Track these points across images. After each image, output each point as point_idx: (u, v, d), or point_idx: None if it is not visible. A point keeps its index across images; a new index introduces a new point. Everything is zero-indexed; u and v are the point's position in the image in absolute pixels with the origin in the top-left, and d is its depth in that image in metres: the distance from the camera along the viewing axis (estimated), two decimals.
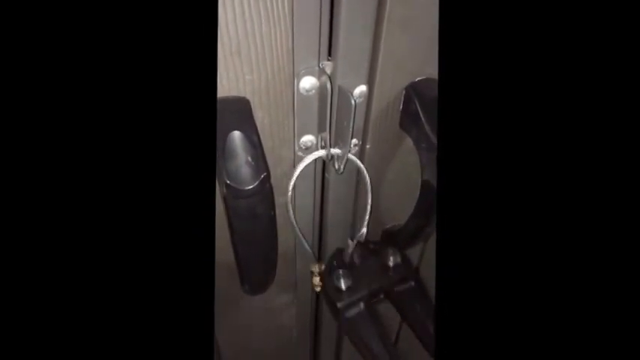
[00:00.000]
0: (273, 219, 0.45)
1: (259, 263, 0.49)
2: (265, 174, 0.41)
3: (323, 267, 0.61)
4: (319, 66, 0.47)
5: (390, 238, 0.63)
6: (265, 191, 0.42)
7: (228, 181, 0.41)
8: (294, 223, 0.55)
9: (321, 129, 0.51)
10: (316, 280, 0.61)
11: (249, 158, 0.41)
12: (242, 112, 0.43)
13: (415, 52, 0.48)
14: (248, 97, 0.45)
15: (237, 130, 0.41)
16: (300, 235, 0.57)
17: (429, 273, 0.76)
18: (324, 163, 0.57)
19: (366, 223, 0.56)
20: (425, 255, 0.73)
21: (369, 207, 0.54)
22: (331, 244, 0.64)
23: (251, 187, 0.41)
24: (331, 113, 0.48)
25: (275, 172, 0.52)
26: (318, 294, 0.76)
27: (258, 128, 0.47)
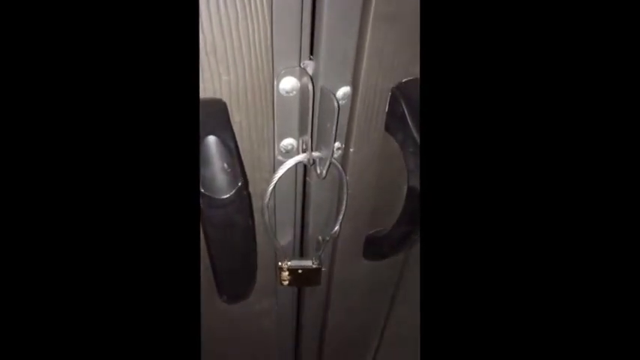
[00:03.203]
0: (251, 228, 0.43)
1: (237, 274, 0.47)
2: (242, 182, 0.39)
3: (289, 262, 0.60)
4: (300, 66, 0.45)
5: (374, 245, 0.62)
6: (242, 200, 0.40)
7: (203, 190, 0.39)
8: (272, 229, 0.53)
9: (302, 132, 0.50)
10: (284, 274, 0.60)
11: (226, 165, 0.39)
12: (218, 114, 0.42)
13: (402, 51, 0.47)
14: (225, 98, 0.43)
15: (213, 134, 0.40)
16: (276, 241, 0.55)
17: (412, 282, 0.75)
18: (305, 167, 0.55)
19: (339, 221, 0.55)
20: (409, 262, 0.72)
21: (344, 204, 0.54)
22: (313, 252, 0.63)
23: (227, 195, 0.39)
24: (313, 116, 0.47)
25: (254, 177, 0.51)
26: (299, 299, 0.75)
27: (236, 131, 0.45)
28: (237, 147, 0.41)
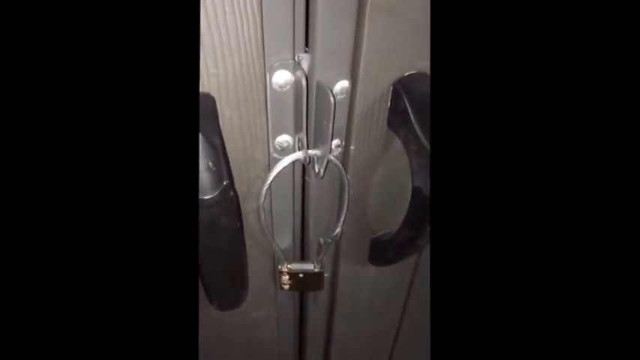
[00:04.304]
0: (238, 231, 0.42)
1: (226, 280, 0.47)
2: (227, 182, 0.39)
3: (290, 266, 0.59)
4: (294, 59, 0.44)
5: (379, 249, 0.61)
6: (228, 201, 0.39)
7: None
8: (269, 231, 0.52)
9: (298, 128, 0.49)
10: (285, 278, 0.59)
11: (210, 164, 0.38)
12: (204, 110, 0.41)
13: (403, 42, 0.45)
14: (213, 93, 0.42)
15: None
16: (274, 243, 0.54)
17: (425, 288, 0.74)
18: (304, 166, 0.54)
19: (341, 222, 0.54)
20: (420, 267, 0.71)
21: (345, 205, 0.53)
22: (314, 255, 0.62)
23: (211, 196, 0.38)
24: (308, 112, 0.46)
25: (248, 175, 0.50)
26: (301, 308, 0.74)
27: (227, 127, 0.45)
28: (223, 144, 0.40)
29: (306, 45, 0.44)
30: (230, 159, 0.46)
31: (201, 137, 0.38)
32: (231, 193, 0.39)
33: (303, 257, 0.64)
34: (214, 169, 0.38)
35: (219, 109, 0.43)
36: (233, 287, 0.48)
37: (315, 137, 0.49)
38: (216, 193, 0.38)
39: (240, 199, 0.50)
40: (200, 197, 0.38)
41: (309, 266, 0.60)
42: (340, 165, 0.51)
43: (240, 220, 0.42)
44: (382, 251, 0.61)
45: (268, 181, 0.49)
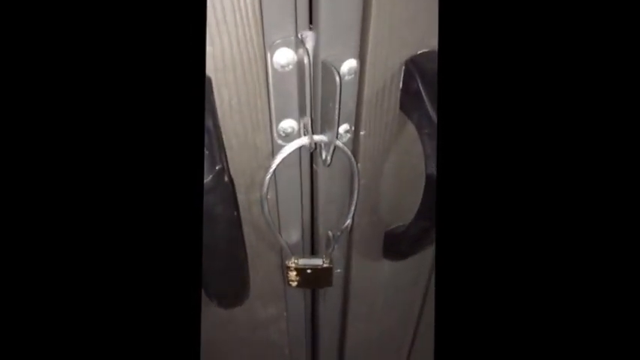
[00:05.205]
0: (235, 221, 0.40)
1: (223, 275, 0.45)
2: (221, 166, 0.37)
3: (298, 261, 0.57)
4: (298, 36, 0.42)
5: (393, 242, 0.59)
6: (223, 188, 0.37)
7: None
8: (274, 223, 0.51)
9: (302, 113, 0.47)
10: (292, 274, 0.57)
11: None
12: None
13: (416, 18, 0.43)
14: (209, 73, 0.40)
15: None
16: (279, 237, 0.52)
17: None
18: (312, 154, 0.53)
19: (351, 214, 0.52)
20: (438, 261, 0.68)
21: (355, 195, 0.51)
22: (324, 249, 0.60)
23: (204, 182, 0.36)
24: (313, 94, 0.44)
25: (250, 164, 0.48)
26: (313, 305, 0.72)
27: (225, 111, 0.43)
28: (217, 126, 0.38)
29: (310, 21, 0.42)
30: (230, 146, 0.45)
31: None
32: (226, 179, 0.38)
33: (313, 252, 0.62)
34: (207, 152, 0.36)
35: (215, 92, 0.41)
36: (232, 283, 0.47)
37: (321, 122, 0.47)
38: (209, 179, 0.36)
39: (243, 190, 0.49)
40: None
41: (317, 261, 0.58)
42: (349, 152, 0.49)
43: (238, 210, 0.41)
44: (396, 244, 0.59)
45: (271, 170, 0.47)
